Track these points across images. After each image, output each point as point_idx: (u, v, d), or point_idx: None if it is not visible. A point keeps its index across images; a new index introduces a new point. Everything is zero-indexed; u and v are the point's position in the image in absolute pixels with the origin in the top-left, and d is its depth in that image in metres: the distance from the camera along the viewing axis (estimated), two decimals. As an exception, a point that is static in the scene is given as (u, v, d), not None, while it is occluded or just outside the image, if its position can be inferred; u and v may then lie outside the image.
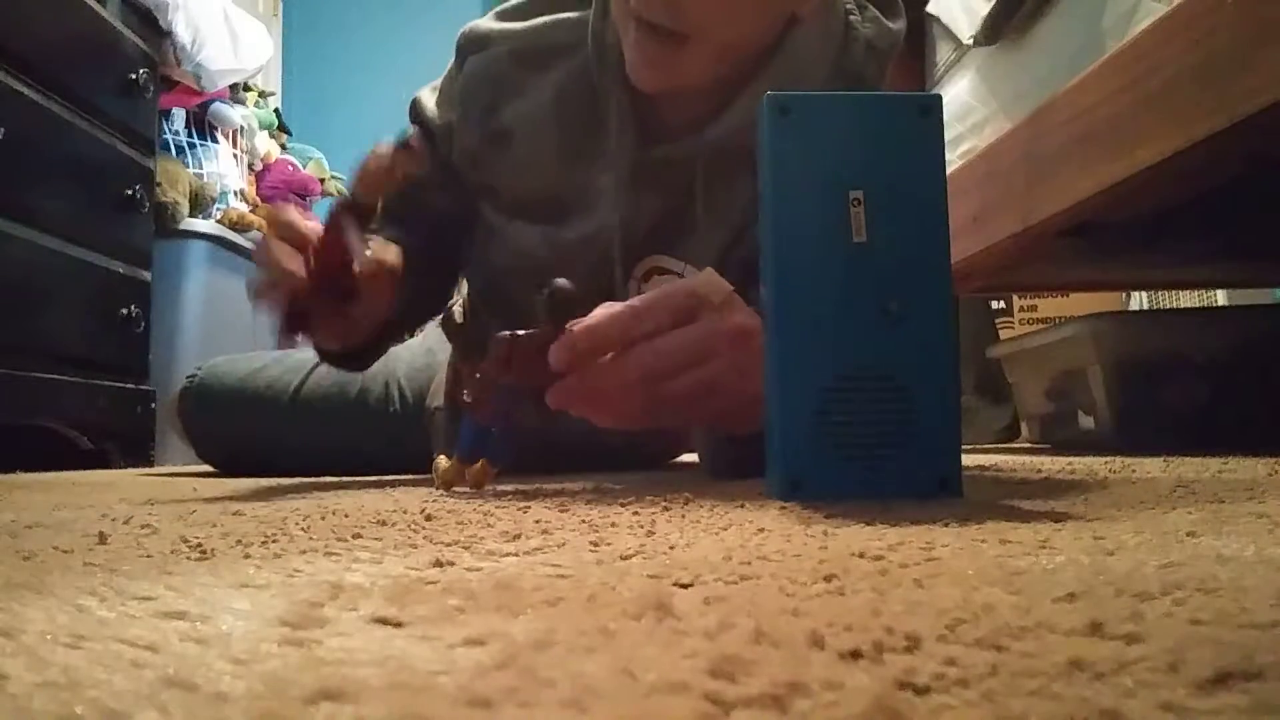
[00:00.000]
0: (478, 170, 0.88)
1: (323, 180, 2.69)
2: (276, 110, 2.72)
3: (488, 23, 0.89)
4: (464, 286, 1.04)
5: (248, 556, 0.33)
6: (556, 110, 0.84)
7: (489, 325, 0.97)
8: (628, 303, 0.58)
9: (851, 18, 0.83)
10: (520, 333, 0.57)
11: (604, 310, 0.58)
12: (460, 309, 1.05)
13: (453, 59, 0.91)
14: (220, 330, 2.08)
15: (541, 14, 0.88)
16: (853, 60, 0.82)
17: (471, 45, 0.88)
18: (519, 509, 0.48)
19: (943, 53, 1.54)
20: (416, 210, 0.91)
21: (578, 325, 0.57)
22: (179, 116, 2.18)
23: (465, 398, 0.61)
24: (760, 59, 0.80)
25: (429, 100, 0.92)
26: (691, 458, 1.16)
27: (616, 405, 0.58)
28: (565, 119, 0.84)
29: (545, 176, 0.85)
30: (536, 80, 0.85)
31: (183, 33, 1.98)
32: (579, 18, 0.85)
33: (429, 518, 0.45)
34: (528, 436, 0.98)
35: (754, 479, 0.63)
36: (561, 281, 0.56)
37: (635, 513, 0.45)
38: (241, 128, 2.34)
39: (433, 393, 1.10)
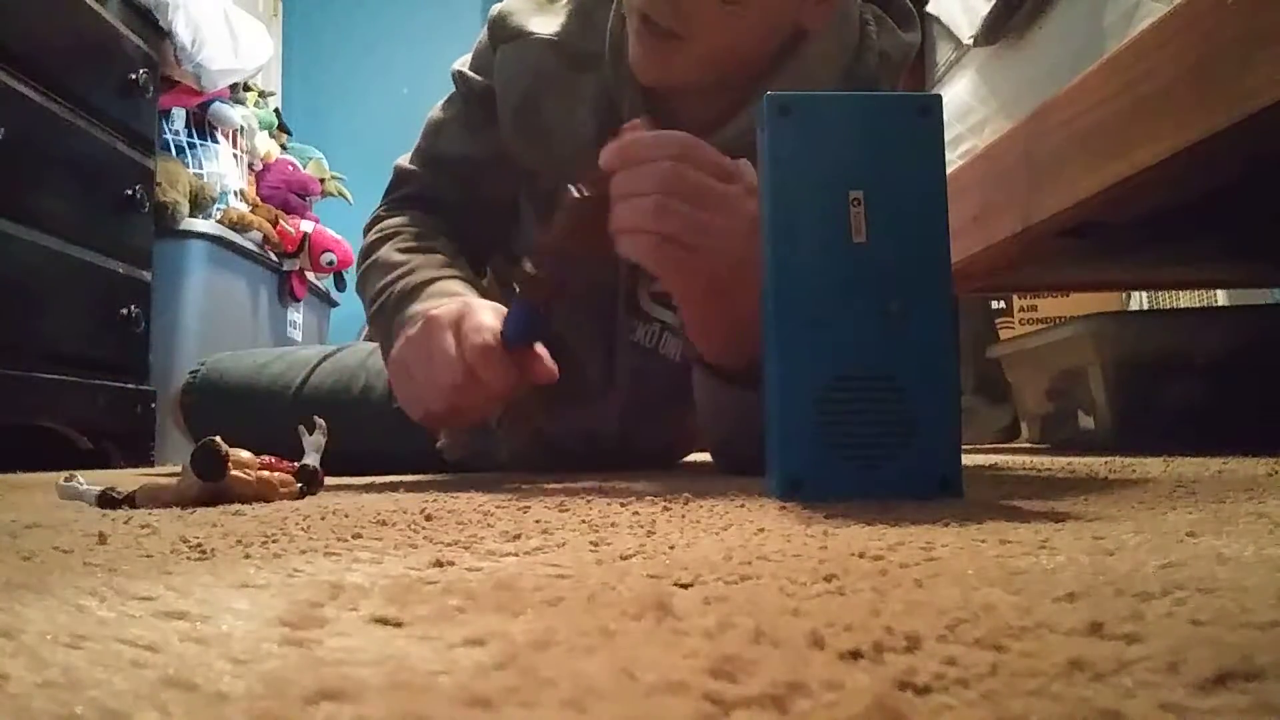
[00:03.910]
0: (515, 156, 0.90)
1: (323, 180, 2.69)
2: (276, 110, 2.72)
3: (519, 16, 0.89)
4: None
5: (248, 556, 0.33)
6: (595, 121, 0.85)
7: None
8: (685, 136, 0.60)
9: (868, 28, 0.84)
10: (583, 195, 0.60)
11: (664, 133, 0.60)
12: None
13: (485, 33, 0.92)
14: (220, 330, 2.07)
15: (570, 4, 0.88)
16: (865, 68, 0.83)
17: (504, 35, 0.89)
18: (519, 509, 0.48)
19: (943, 53, 1.54)
20: (471, 196, 0.94)
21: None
22: (179, 116, 2.18)
23: (528, 268, 0.62)
24: (772, 63, 0.81)
25: (469, 70, 0.94)
26: (695, 457, 1.16)
27: (632, 215, 0.59)
28: (602, 129, 0.84)
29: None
30: (574, 80, 0.85)
31: (183, 33, 1.98)
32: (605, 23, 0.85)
33: (429, 518, 0.45)
34: (529, 437, 0.99)
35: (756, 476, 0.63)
36: (576, 188, 0.59)
37: (635, 513, 0.45)
38: (241, 128, 2.34)
39: None
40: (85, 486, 0.59)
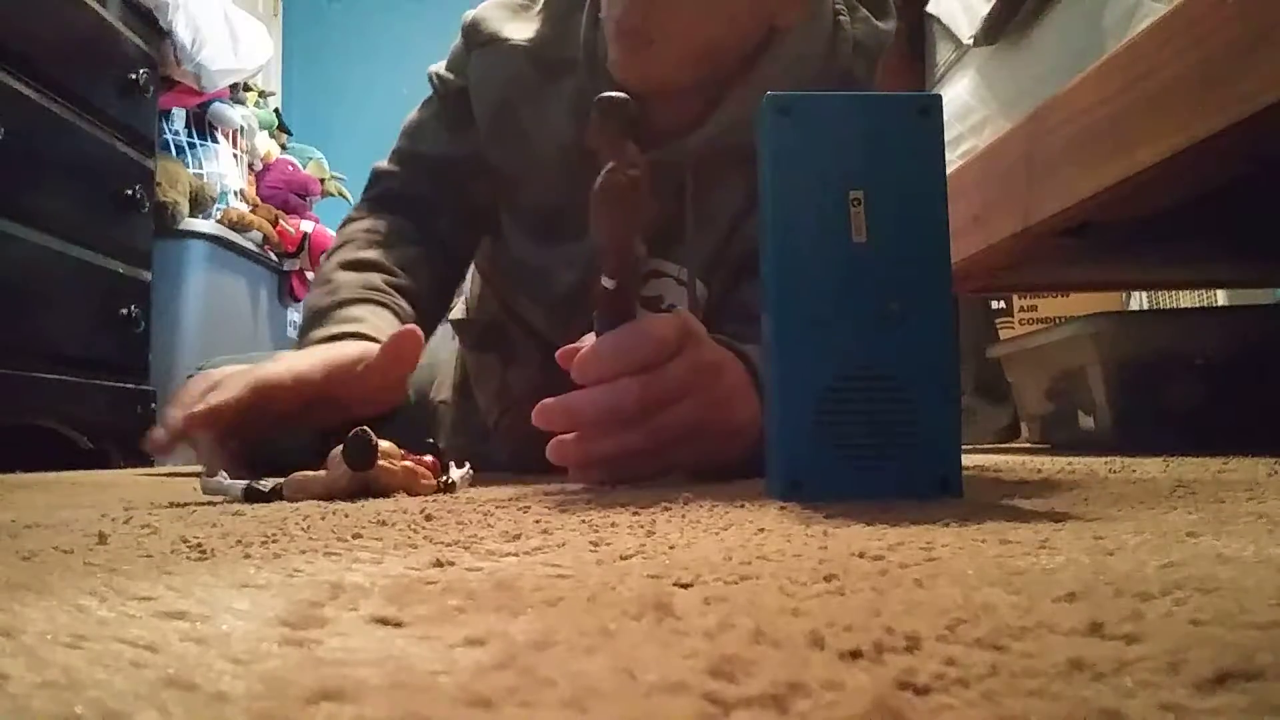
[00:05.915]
0: (493, 161, 0.90)
1: (323, 180, 2.69)
2: (276, 110, 2.72)
3: (494, 22, 0.89)
4: (467, 282, 1.05)
5: (248, 556, 0.32)
6: (572, 127, 0.84)
7: (499, 316, 0.99)
8: (614, 337, 0.56)
9: (840, 18, 0.84)
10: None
11: (592, 347, 0.57)
12: (463, 305, 1.06)
13: (459, 39, 0.92)
14: (220, 330, 2.08)
15: (544, 10, 0.88)
16: (840, 60, 0.82)
17: (479, 39, 0.89)
18: (519, 509, 0.48)
19: (943, 53, 1.54)
20: (450, 197, 0.93)
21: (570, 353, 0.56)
22: (179, 116, 2.18)
23: (607, 284, 0.57)
24: (746, 62, 0.81)
25: (445, 72, 0.93)
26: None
27: (614, 448, 0.57)
28: (580, 135, 0.84)
29: (559, 190, 0.86)
30: (550, 89, 0.85)
31: (183, 33, 1.98)
32: (579, 30, 0.85)
33: (429, 518, 0.45)
34: (527, 438, 0.99)
35: (742, 478, 0.63)
36: (612, 94, 0.54)
37: (635, 513, 0.45)
38: (241, 128, 2.34)
39: (436, 386, 1.10)
40: (229, 481, 0.58)
